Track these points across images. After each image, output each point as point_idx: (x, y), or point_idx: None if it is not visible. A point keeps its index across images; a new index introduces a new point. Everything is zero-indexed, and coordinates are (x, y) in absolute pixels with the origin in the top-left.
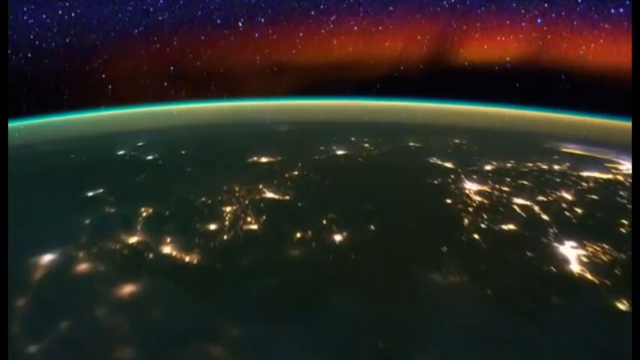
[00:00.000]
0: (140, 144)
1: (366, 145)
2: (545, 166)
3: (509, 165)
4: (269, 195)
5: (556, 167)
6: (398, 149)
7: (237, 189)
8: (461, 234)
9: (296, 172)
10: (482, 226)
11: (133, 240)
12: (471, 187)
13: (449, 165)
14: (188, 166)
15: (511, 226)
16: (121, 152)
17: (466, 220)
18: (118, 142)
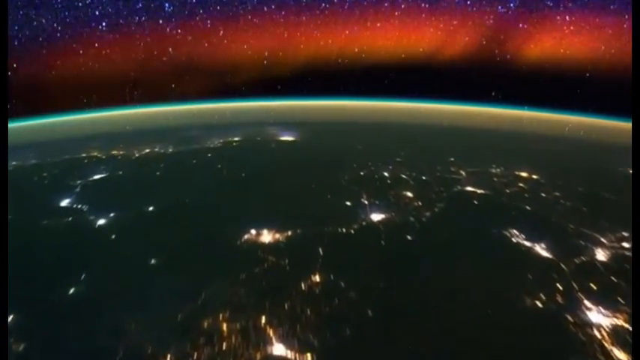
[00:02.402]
0: (97, 177)
1: (409, 194)
2: None
3: (627, 246)
4: (278, 354)
5: None
6: (456, 204)
7: (225, 331)
8: None
9: (317, 278)
10: None
11: None
12: (601, 320)
13: (543, 251)
14: (152, 255)
15: None
16: (65, 203)
17: None
18: (70, 171)
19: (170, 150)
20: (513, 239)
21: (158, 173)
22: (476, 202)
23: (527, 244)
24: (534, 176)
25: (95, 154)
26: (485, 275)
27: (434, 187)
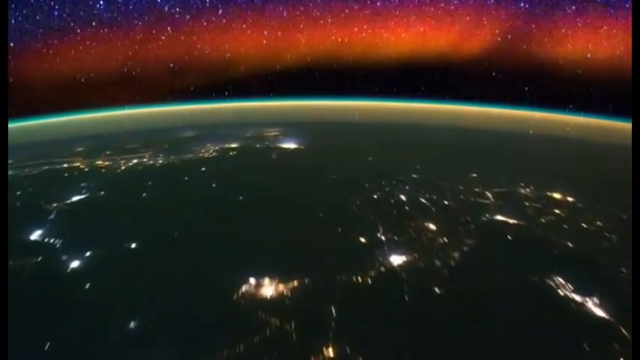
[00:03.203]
0: (76, 199)
1: (432, 226)
2: None
3: None
4: None
5: None
6: (487, 241)
7: None
8: None
9: (330, 351)
10: None
11: None
12: None
13: (597, 309)
14: (131, 314)
15: None
16: (36, 236)
17: None
18: (47, 190)
19: (160, 161)
20: (560, 291)
21: (144, 194)
22: (510, 237)
23: (577, 298)
24: (569, 198)
25: (78, 164)
26: (532, 346)
27: (459, 215)
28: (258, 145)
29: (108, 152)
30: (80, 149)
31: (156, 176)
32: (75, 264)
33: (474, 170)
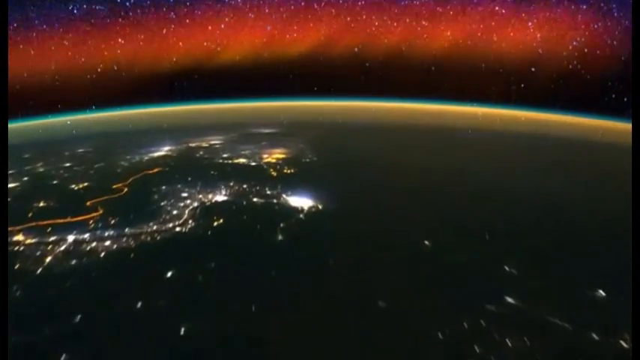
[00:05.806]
0: None
1: None
2: None
3: None
4: None
5: None
6: None
7: None
8: None
9: None
10: None
11: None
12: None
13: None
14: None
15: None
16: None
17: None
18: None
19: (107, 242)
20: None
21: (66, 352)
22: None
23: None
24: None
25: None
26: None
27: None
28: (255, 199)
29: (41, 204)
30: (15, 189)
31: (97, 290)
32: None
33: (597, 281)
